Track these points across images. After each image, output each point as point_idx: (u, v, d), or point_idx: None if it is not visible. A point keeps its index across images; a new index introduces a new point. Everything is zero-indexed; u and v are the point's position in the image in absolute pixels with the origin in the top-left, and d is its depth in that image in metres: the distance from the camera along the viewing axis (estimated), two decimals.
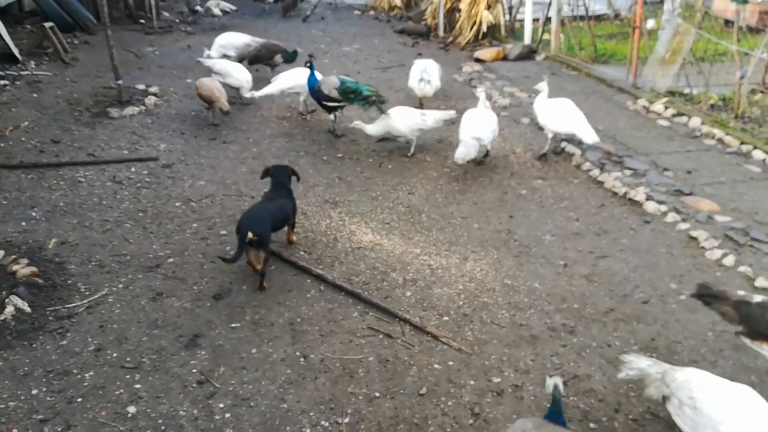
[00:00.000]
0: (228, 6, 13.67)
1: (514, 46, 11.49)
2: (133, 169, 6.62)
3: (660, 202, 5.86)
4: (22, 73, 9.48)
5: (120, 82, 8.39)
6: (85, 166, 6.63)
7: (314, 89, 7.49)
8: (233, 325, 4.27)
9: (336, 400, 3.64)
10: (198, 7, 13.72)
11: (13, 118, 7.80)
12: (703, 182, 6.34)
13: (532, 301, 4.57)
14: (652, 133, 7.69)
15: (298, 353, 4.01)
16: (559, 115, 6.73)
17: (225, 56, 9.44)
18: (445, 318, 4.37)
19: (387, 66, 10.84)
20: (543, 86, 7.00)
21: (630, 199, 6.01)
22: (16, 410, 3.53)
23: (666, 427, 3.46)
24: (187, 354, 3.99)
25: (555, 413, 3.04)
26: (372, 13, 16.37)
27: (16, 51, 9.86)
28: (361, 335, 4.19)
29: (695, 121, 7.75)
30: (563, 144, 7.17)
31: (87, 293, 4.57)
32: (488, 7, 12.26)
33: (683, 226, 5.51)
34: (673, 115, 8.10)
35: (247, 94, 8.25)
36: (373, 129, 7.09)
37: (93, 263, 4.94)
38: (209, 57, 9.21)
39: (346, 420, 3.51)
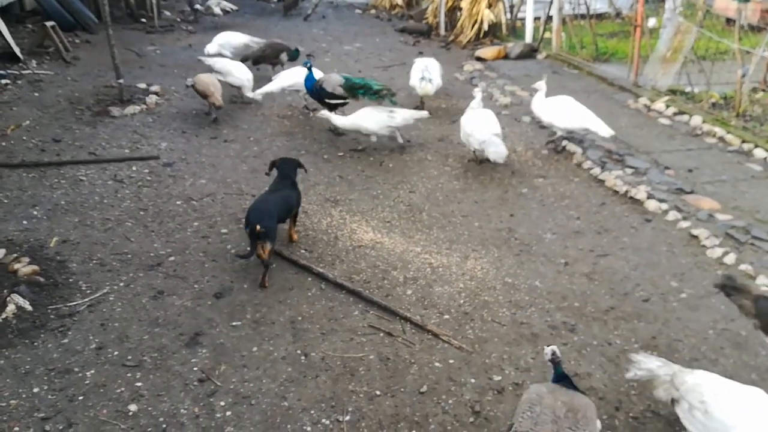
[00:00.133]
0: (229, 5, 13.67)
1: (515, 45, 11.48)
2: (134, 168, 6.62)
3: (661, 201, 5.86)
4: (24, 72, 9.48)
5: (121, 81, 8.40)
6: (86, 165, 6.64)
7: (313, 88, 7.50)
8: (234, 323, 4.27)
9: (337, 398, 3.64)
10: (199, 6, 13.73)
11: (15, 117, 7.81)
12: (704, 181, 6.34)
13: (532, 299, 4.57)
14: (653, 131, 7.68)
15: (299, 351, 4.02)
16: (568, 111, 6.75)
17: (221, 54, 9.45)
18: (446, 316, 4.37)
19: (388, 65, 10.84)
20: (541, 85, 7.03)
21: (631, 198, 6.01)
22: (18, 408, 3.54)
23: (667, 426, 3.47)
24: (188, 352, 4.00)
25: (561, 376, 3.09)
26: (373, 11, 16.37)
27: (17, 50, 9.87)
28: (362, 333, 4.19)
29: (696, 120, 7.75)
30: (564, 142, 7.17)
31: (88, 292, 4.58)
32: (489, 6, 12.26)
33: (684, 224, 5.50)
34: (675, 114, 8.09)
35: (249, 94, 8.26)
36: (340, 121, 7.07)
37: (94, 262, 4.95)
38: (209, 55, 9.23)
39: (347, 418, 3.51)
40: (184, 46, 11.90)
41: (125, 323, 4.26)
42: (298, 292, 4.62)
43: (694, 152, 7.06)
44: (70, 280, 4.71)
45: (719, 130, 7.41)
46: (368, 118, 6.97)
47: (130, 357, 3.95)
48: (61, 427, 3.42)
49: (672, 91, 8.67)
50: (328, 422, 3.48)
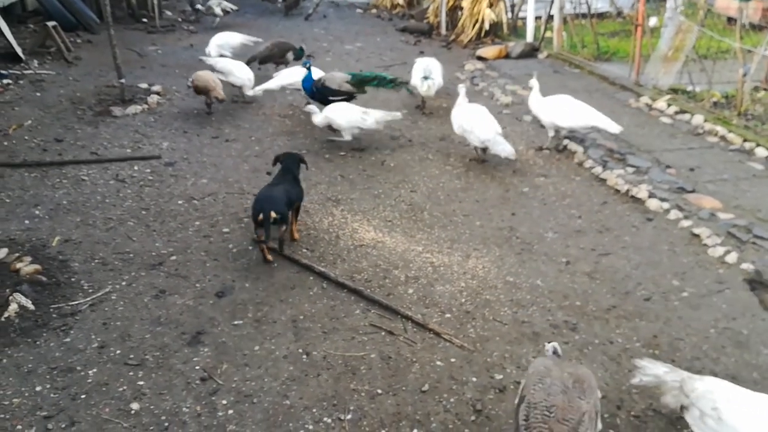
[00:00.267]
0: (229, 5, 13.68)
1: (516, 44, 11.48)
2: (136, 168, 6.63)
3: (662, 200, 5.86)
4: (26, 72, 9.50)
5: (123, 80, 8.41)
6: (88, 165, 6.65)
7: (313, 88, 7.49)
8: (236, 322, 4.28)
9: (338, 397, 3.65)
10: (200, 6, 13.74)
11: (17, 117, 7.83)
12: (706, 179, 6.33)
13: (534, 298, 4.57)
14: (654, 130, 7.68)
15: (300, 350, 4.02)
16: (571, 110, 6.74)
17: (221, 55, 9.47)
18: (448, 315, 4.38)
19: (389, 64, 10.83)
20: (533, 83, 7.06)
21: (632, 197, 6.01)
22: (20, 407, 3.54)
23: (668, 424, 3.47)
24: (190, 351, 4.01)
25: None
26: (374, 11, 16.37)
27: (19, 50, 9.89)
28: (364, 332, 4.20)
29: (698, 119, 7.74)
30: (565, 141, 7.17)
31: (90, 291, 4.59)
32: (490, 5, 12.26)
33: (686, 223, 5.50)
34: (676, 113, 8.09)
35: (249, 92, 8.28)
36: (317, 119, 7.04)
37: (96, 261, 4.96)
38: (210, 55, 9.25)
39: (349, 417, 3.52)
40: (186, 46, 11.92)
41: (127, 322, 4.27)
42: (300, 291, 4.62)
43: (695, 151, 7.05)
44: (72, 279, 4.72)
45: (721, 129, 7.41)
46: (340, 114, 6.93)
47: (132, 356, 3.96)
48: (63, 426, 3.43)
49: (673, 90, 8.66)
50: (329, 421, 3.49)
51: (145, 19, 13.73)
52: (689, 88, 8.61)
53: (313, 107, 7.17)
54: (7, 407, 3.54)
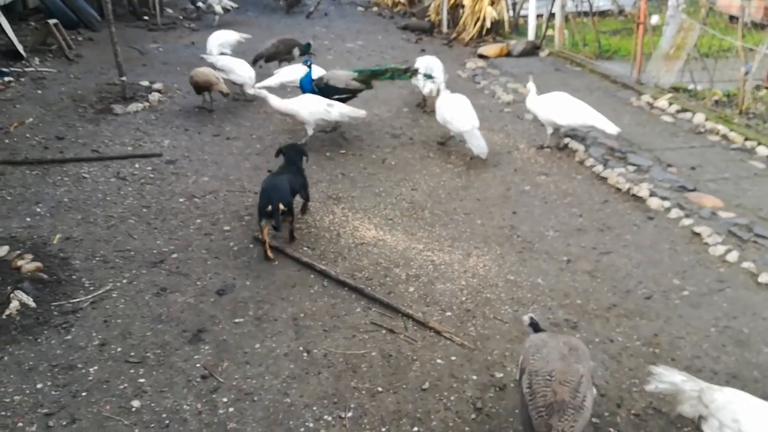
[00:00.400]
0: (230, 3, 13.68)
1: (517, 42, 11.47)
2: (137, 165, 6.64)
3: (663, 198, 5.85)
4: (27, 69, 9.51)
5: (124, 78, 8.42)
6: (89, 163, 6.66)
7: (315, 87, 7.46)
8: (237, 320, 4.28)
9: (339, 395, 3.65)
10: (201, 4, 13.74)
11: (18, 115, 7.83)
12: (707, 178, 6.33)
13: (535, 296, 4.57)
14: (655, 129, 7.67)
15: (301, 348, 4.03)
16: (568, 107, 6.74)
17: (222, 54, 9.47)
18: (448, 313, 4.38)
19: (390, 63, 10.83)
20: (530, 86, 7.12)
21: (633, 195, 6.00)
22: (22, 404, 3.55)
23: (668, 423, 3.47)
24: (191, 349, 4.01)
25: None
26: (375, 9, 16.36)
27: (20, 48, 9.89)
28: (364, 330, 4.20)
29: (699, 117, 7.73)
30: (566, 140, 7.16)
31: (91, 288, 4.60)
32: (492, 3, 12.25)
33: (687, 222, 5.50)
34: (677, 111, 8.08)
35: (250, 90, 8.27)
36: (277, 103, 6.92)
37: (97, 259, 4.96)
38: (211, 53, 9.26)
39: (349, 414, 3.52)
40: (187, 43, 11.92)
41: (128, 320, 4.28)
42: (301, 289, 4.63)
43: (696, 150, 7.05)
44: (73, 277, 4.73)
45: (722, 128, 7.40)
46: (304, 106, 6.87)
47: (133, 353, 3.96)
48: (64, 423, 3.44)
49: (675, 89, 8.65)
50: (330, 418, 3.49)
51: (146, 17, 13.74)
52: (691, 87, 8.60)
53: (263, 91, 7.01)
54: (8, 404, 3.55)
